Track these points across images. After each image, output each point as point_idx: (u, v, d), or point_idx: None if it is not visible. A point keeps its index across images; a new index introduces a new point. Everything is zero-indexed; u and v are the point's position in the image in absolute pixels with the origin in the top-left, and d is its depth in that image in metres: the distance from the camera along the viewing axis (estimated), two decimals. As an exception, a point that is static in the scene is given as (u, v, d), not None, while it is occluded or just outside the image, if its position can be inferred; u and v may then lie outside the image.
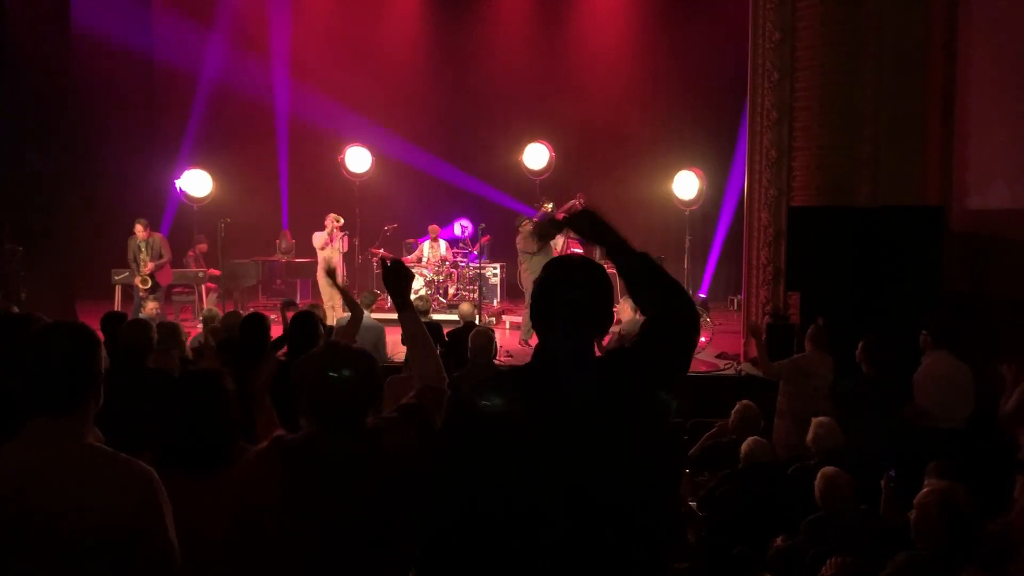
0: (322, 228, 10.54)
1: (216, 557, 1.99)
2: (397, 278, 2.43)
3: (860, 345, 5.22)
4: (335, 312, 9.35)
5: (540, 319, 1.84)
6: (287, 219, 13.07)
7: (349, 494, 1.95)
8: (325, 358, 2.06)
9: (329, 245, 10.48)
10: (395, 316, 2.52)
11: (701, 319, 8.63)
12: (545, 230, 2.11)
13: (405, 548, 2.01)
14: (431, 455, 1.86)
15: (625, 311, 7.19)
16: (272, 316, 10.29)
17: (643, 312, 1.95)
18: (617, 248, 1.98)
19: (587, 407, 1.73)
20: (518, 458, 1.69)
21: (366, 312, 7.47)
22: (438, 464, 1.80)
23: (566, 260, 1.94)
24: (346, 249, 10.83)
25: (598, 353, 1.91)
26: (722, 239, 12.40)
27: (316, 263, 10.87)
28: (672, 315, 1.90)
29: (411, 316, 2.42)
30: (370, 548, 1.97)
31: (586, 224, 2.02)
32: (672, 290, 1.92)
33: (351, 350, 2.11)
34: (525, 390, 1.76)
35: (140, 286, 9.59)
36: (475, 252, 11.27)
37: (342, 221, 10.63)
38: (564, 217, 2.10)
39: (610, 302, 1.88)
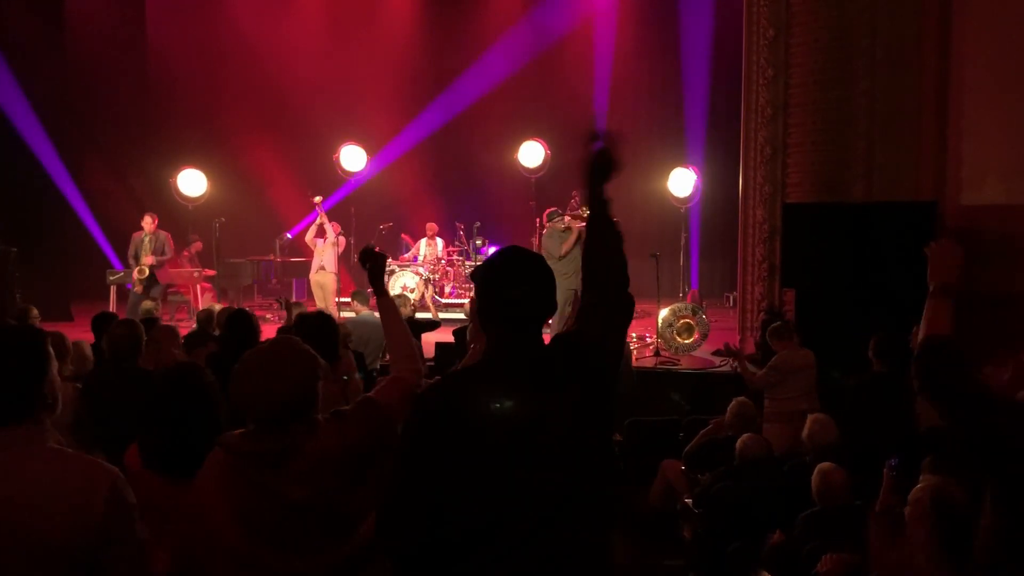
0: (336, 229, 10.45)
1: (186, 565, 1.98)
2: (372, 263, 2.51)
3: (872, 342, 5.21)
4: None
5: (488, 314, 1.84)
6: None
7: (277, 493, 1.94)
8: (265, 356, 2.02)
9: (321, 240, 10.32)
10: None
11: (696, 316, 8.66)
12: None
13: (348, 548, 2.01)
14: (394, 452, 1.86)
15: None
16: (268, 316, 10.34)
17: (584, 282, 1.96)
18: (602, 204, 1.98)
19: (546, 398, 1.74)
20: (475, 453, 1.70)
21: (364, 310, 7.44)
22: (399, 461, 1.80)
23: (506, 254, 1.91)
24: (342, 249, 10.72)
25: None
26: (696, 236, 12.33)
27: (310, 262, 10.83)
28: (610, 298, 1.92)
29: (385, 302, 2.47)
30: (307, 548, 1.96)
31: (603, 164, 2.00)
32: (620, 271, 1.94)
33: (292, 349, 2.05)
34: (480, 386, 1.76)
35: (136, 276, 9.42)
36: (470, 250, 11.28)
37: (319, 199, 10.43)
38: (598, 143, 2.02)
39: (554, 292, 1.87)
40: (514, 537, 1.69)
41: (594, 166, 2.00)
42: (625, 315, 1.98)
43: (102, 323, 5.12)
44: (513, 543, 1.69)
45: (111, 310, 9.67)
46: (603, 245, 1.96)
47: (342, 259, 10.63)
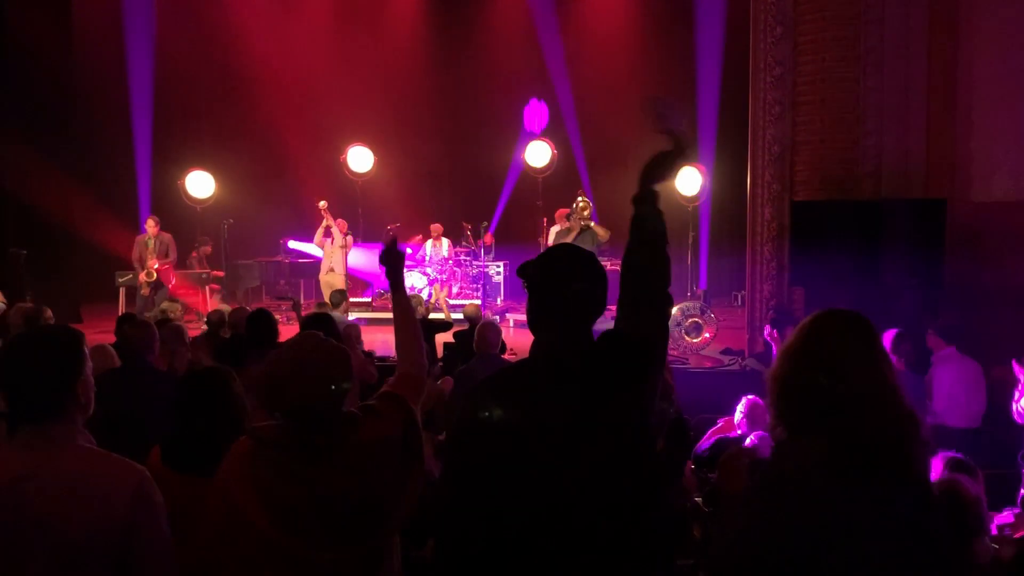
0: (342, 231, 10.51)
1: (212, 554, 1.99)
2: (391, 258, 2.50)
3: (887, 340, 5.19)
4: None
5: (540, 311, 1.83)
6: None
7: (317, 485, 1.95)
8: (296, 353, 2.04)
9: (328, 243, 10.39)
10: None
11: (705, 315, 8.64)
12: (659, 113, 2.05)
13: (377, 539, 2.03)
14: (444, 461, 1.86)
15: None
16: (276, 316, 10.35)
17: (624, 277, 1.94)
18: (650, 196, 1.97)
19: (590, 394, 1.73)
20: (527, 456, 1.69)
21: (337, 312, 7.54)
22: (446, 468, 1.80)
23: (563, 251, 1.92)
24: (350, 248, 10.78)
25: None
26: (706, 235, 12.31)
27: (317, 263, 10.88)
28: (651, 295, 1.91)
29: (401, 298, 2.45)
30: (340, 539, 1.98)
31: (664, 162, 2.00)
32: (662, 268, 1.93)
33: (324, 344, 2.08)
34: (529, 388, 1.76)
35: (145, 279, 9.54)
36: (478, 250, 11.29)
37: (324, 204, 10.48)
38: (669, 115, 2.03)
39: (605, 288, 1.87)
40: (566, 535, 1.68)
41: (656, 162, 2.00)
42: (665, 311, 1.96)
43: (125, 324, 5.13)
44: (565, 540, 1.68)
45: (121, 311, 9.75)
46: (646, 238, 1.94)
47: (348, 257, 10.75)
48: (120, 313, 9.72)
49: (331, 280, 10.30)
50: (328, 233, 10.39)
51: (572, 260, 1.86)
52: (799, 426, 1.61)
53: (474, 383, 2.01)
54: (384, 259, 2.50)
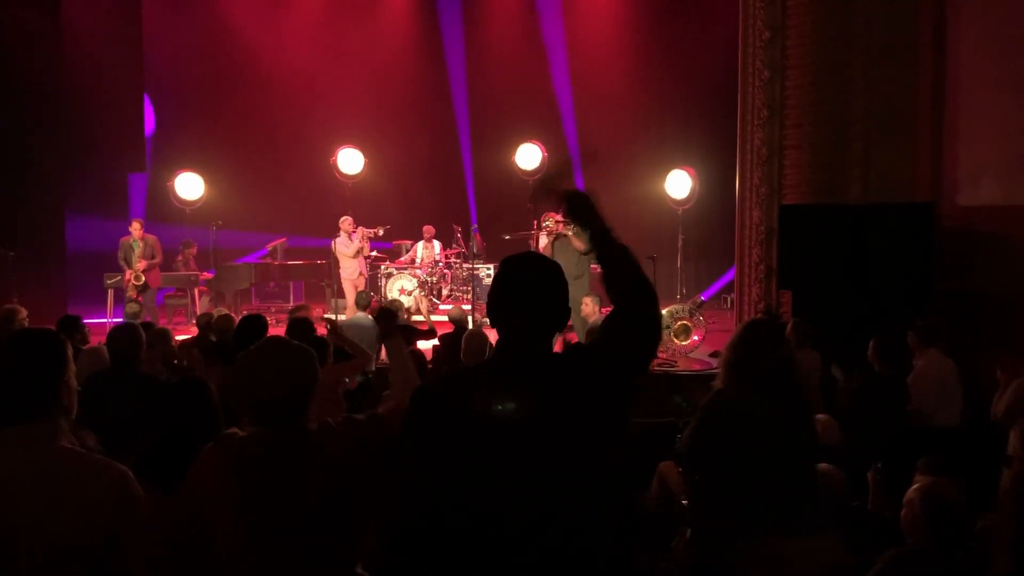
0: (335, 233, 10.55)
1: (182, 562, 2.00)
2: (385, 320, 2.93)
3: (872, 343, 5.21)
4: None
5: (498, 316, 1.84)
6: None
7: (286, 493, 1.96)
8: (263, 354, 2.07)
9: (348, 246, 10.50)
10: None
11: (694, 318, 8.65)
12: (546, 188, 2.09)
13: (346, 549, 2.04)
14: (398, 452, 1.88)
15: (590, 308, 7.37)
16: (267, 319, 10.34)
17: (612, 303, 1.93)
18: (602, 235, 1.94)
19: (546, 404, 1.73)
20: (478, 456, 1.70)
21: (361, 313, 7.57)
22: (400, 460, 1.82)
23: (522, 257, 1.92)
24: (368, 253, 10.83)
25: (557, 349, 1.92)
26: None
27: (308, 265, 10.90)
28: (637, 314, 1.89)
29: (393, 344, 2.72)
30: (309, 547, 1.98)
31: (579, 204, 1.97)
32: (644, 290, 1.90)
33: (290, 346, 2.11)
34: (486, 387, 1.75)
35: (133, 282, 9.53)
36: (468, 252, 11.29)
37: (375, 233, 10.67)
38: (562, 191, 2.02)
39: (566, 298, 1.88)
40: (505, 542, 1.68)
41: (574, 209, 1.98)
42: (652, 334, 1.94)
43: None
44: (505, 547, 1.68)
45: (108, 314, 9.71)
46: (622, 272, 1.92)
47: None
48: (108, 315, 9.70)
49: (360, 283, 10.44)
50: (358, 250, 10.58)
51: (523, 268, 1.86)
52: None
53: None
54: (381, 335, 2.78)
